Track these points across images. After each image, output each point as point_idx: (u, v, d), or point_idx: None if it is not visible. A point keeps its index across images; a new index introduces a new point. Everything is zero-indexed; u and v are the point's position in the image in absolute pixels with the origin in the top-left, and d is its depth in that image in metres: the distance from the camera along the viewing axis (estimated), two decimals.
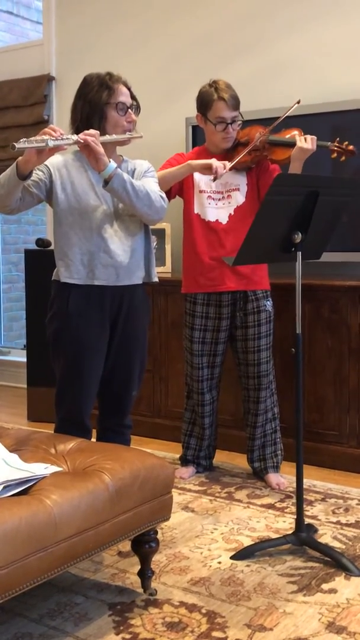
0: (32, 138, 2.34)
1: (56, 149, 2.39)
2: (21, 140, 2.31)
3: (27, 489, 1.96)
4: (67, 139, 2.40)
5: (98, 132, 2.52)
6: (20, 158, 2.39)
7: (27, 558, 1.81)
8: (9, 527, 1.76)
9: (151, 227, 2.79)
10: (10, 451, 2.21)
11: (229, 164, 3.04)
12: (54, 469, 2.07)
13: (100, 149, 2.48)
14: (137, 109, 2.72)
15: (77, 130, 2.65)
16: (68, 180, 2.62)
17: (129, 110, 2.67)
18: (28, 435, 2.45)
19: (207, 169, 3.02)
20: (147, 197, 2.59)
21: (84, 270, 2.63)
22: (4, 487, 1.92)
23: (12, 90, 5.25)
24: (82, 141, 2.45)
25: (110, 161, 2.50)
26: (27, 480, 1.97)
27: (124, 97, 2.65)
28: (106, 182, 2.51)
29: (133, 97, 2.70)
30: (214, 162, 2.99)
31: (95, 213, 2.62)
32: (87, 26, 4.92)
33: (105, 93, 2.62)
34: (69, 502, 1.92)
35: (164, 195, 2.69)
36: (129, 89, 2.70)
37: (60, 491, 1.93)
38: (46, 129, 2.39)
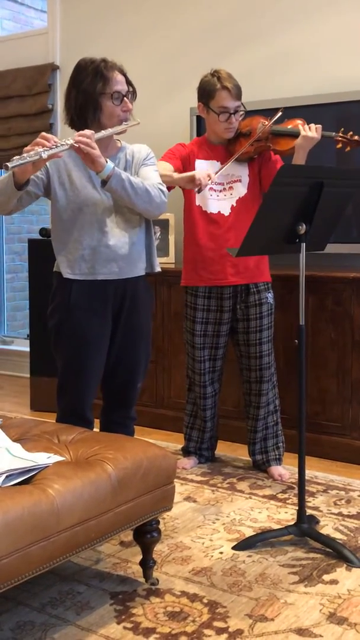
0: (25, 154, 2.28)
1: (52, 157, 2.34)
2: (14, 158, 2.25)
3: (29, 478, 1.96)
4: (61, 145, 2.34)
5: (93, 132, 2.45)
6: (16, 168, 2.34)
7: (30, 547, 1.82)
8: (11, 516, 1.76)
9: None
10: (14, 440, 2.22)
11: (214, 175, 3.00)
12: (56, 458, 2.07)
13: (97, 151, 2.41)
14: (134, 95, 2.65)
15: (71, 120, 2.61)
16: (66, 175, 2.59)
17: (125, 98, 2.59)
18: (31, 425, 2.46)
19: (190, 182, 2.96)
20: (147, 194, 2.55)
21: (85, 265, 2.60)
22: (7, 477, 1.92)
23: (16, 80, 5.22)
24: (77, 145, 2.39)
25: (107, 161, 2.44)
26: (29, 470, 1.98)
27: (119, 85, 2.57)
28: (104, 182, 2.46)
29: (129, 83, 2.62)
30: (196, 174, 2.94)
31: (95, 207, 2.59)
32: (92, 15, 4.90)
33: (100, 83, 2.54)
34: (71, 492, 1.93)
35: (164, 187, 2.65)
36: (124, 75, 2.61)
37: (62, 481, 1.94)
38: (38, 139, 2.33)
